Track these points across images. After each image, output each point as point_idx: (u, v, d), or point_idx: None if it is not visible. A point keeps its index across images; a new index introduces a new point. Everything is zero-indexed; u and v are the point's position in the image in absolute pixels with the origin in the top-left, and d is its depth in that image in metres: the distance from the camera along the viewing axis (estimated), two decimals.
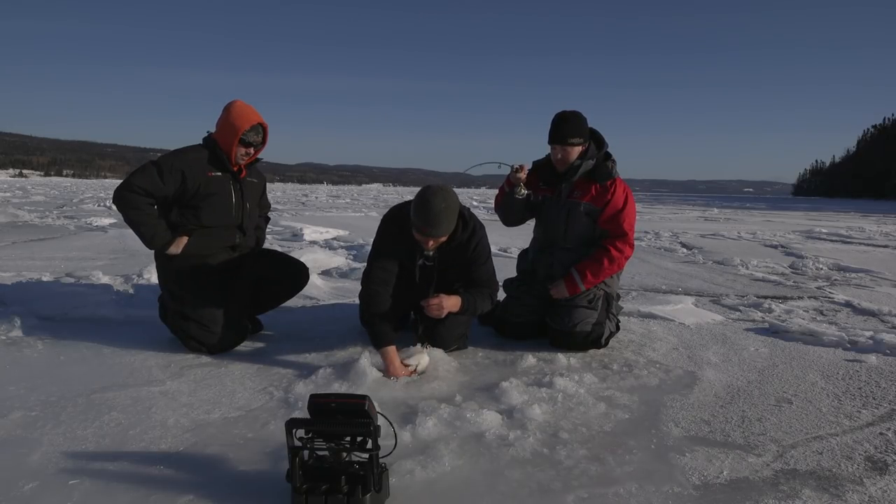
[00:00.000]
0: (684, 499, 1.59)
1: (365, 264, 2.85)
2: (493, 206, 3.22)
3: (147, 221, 2.77)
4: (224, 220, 2.89)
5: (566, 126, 2.93)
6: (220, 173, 2.85)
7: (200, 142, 2.90)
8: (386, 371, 2.51)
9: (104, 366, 2.56)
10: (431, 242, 2.65)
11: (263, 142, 2.91)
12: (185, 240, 2.82)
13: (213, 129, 2.88)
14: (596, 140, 3.03)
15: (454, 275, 2.84)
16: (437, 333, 2.81)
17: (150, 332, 3.00)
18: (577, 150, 2.95)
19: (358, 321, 3.24)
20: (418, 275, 2.84)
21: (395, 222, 2.80)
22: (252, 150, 2.89)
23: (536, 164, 3.17)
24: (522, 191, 2.97)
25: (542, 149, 3.14)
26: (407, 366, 2.53)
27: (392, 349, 2.55)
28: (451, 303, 2.69)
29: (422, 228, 2.57)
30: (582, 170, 2.97)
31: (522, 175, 2.96)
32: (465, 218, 2.74)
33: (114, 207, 2.86)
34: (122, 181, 2.84)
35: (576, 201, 2.99)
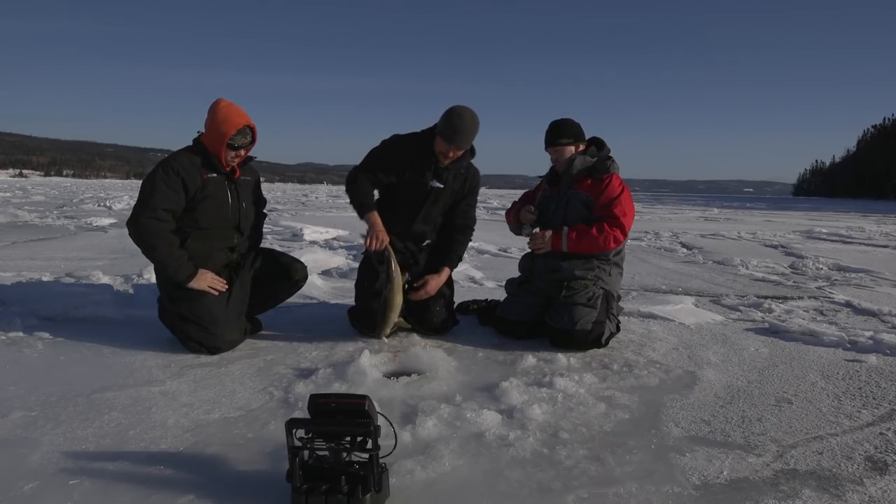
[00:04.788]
0: (684, 499, 1.59)
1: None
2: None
3: (172, 254, 2.69)
4: (221, 221, 2.88)
5: (555, 129, 3.13)
6: (214, 175, 2.84)
7: (191, 143, 2.89)
8: (370, 233, 2.89)
9: (104, 366, 2.56)
10: (452, 153, 2.94)
11: (252, 141, 2.90)
12: (207, 274, 2.77)
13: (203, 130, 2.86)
14: (597, 144, 3.18)
15: (447, 209, 3.15)
16: (427, 319, 3.10)
17: (150, 332, 3.00)
18: (569, 149, 3.09)
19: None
20: (428, 197, 3.06)
21: (402, 141, 3.06)
22: (242, 152, 2.88)
23: (546, 175, 3.33)
24: (531, 230, 3.17)
25: (540, 149, 3.23)
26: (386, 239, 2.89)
27: (375, 214, 2.93)
28: (438, 281, 3.02)
29: (450, 136, 2.87)
30: (579, 164, 3.07)
31: (533, 217, 3.19)
32: (475, 150, 3.08)
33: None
34: (136, 206, 2.71)
35: (574, 191, 3.10)
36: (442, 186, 3.06)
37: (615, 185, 3.05)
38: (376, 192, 3.16)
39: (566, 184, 3.14)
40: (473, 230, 3.27)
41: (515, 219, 3.32)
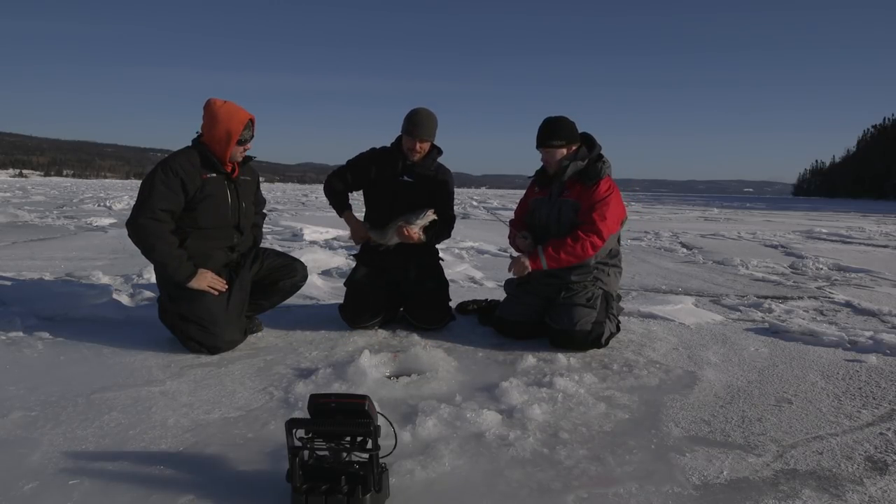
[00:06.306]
0: (684, 499, 1.59)
1: None
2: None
3: (172, 253, 2.70)
4: (221, 221, 2.88)
5: (547, 129, 3.06)
6: (214, 174, 2.84)
7: (190, 143, 2.89)
8: (352, 233, 3.35)
9: (104, 366, 2.56)
10: (418, 146, 3.16)
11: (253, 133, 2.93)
12: (207, 274, 2.77)
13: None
14: (588, 143, 3.12)
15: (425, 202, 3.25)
16: (420, 313, 3.25)
17: (150, 332, 3.00)
18: (561, 151, 3.05)
19: None
20: (399, 190, 3.25)
21: (375, 150, 3.35)
22: (248, 144, 2.90)
23: (537, 172, 3.28)
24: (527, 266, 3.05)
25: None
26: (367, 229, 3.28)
27: (348, 213, 3.32)
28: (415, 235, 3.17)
29: (411, 130, 3.14)
30: (571, 170, 3.04)
31: (529, 243, 3.08)
32: (441, 150, 3.32)
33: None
34: (135, 206, 2.71)
35: (566, 199, 3.07)
36: (412, 181, 3.25)
37: (601, 189, 2.99)
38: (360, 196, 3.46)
39: (557, 190, 3.10)
40: (452, 227, 3.42)
41: (514, 245, 3.25)
